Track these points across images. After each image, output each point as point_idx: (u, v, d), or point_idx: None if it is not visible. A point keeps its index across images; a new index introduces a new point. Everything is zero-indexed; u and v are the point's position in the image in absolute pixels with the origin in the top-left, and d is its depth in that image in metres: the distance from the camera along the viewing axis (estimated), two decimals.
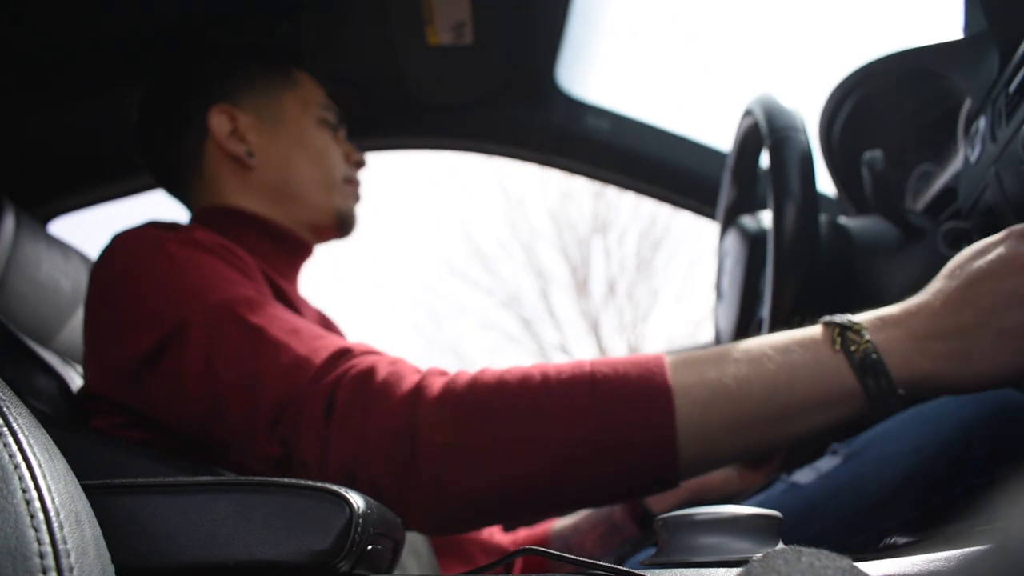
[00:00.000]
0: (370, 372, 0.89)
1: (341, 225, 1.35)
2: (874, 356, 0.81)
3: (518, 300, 13.24)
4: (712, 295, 1.54)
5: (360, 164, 1.40)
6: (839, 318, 0.84)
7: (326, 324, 1.27)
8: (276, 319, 0.99)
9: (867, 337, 0.82)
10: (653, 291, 13.13)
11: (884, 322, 0.83)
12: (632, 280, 13.20)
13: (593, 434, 0.82)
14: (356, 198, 1.38)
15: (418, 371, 0.91)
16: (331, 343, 0.96)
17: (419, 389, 0.87)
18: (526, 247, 13.55)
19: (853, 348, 0.81)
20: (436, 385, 0.87)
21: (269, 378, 0.93)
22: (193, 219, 1.30)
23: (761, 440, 0.84)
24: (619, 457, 0.83)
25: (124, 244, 1.10)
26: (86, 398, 1.10)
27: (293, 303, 1.15)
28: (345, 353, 0.93)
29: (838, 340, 0.82)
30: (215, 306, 0.99)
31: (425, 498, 0.85)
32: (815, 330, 0.85)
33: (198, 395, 0.98)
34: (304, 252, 1.33)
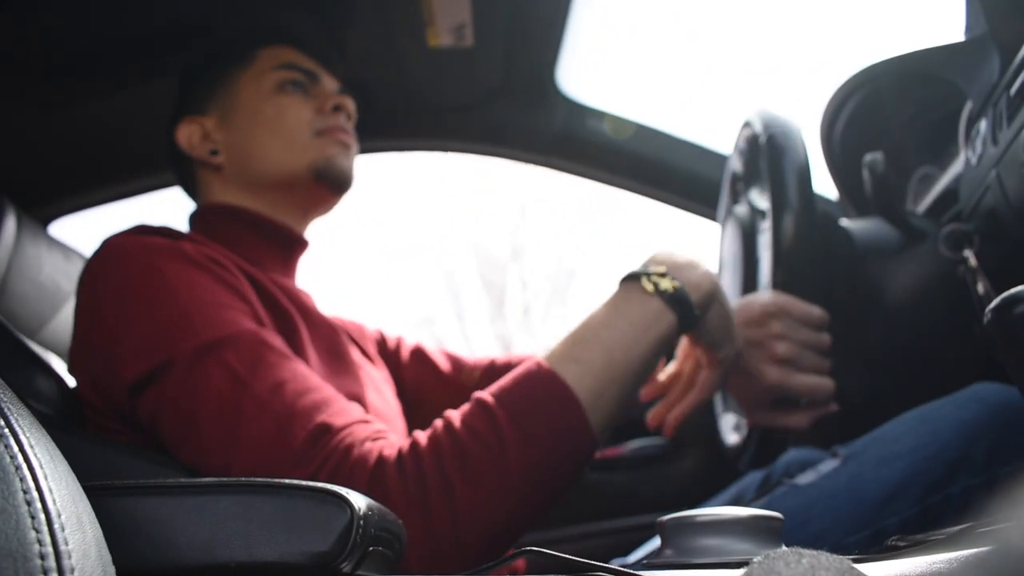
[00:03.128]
0: (343, 460, 0.91)
1: (323, 179, 1.29)
2: (680, 292, 1.01)
3: (431, 320, 13.27)
4: None
5: (339, 108, 1.33)
6: (638, 269, 1.03)
7: (319, 315, 1.26)
8: (261, 365, 0.98)
9: (669, 277, 1.02)
10: (565, 317, 13.24)
11: (670, 268, 1.04)
12: (547, 305, 13.32)
13: (535, 460, 0.90)
14: (338, 145, 1.31)
15: (382, 449, 0.92)
16: (310, 407, 0.95)
17: (380, 478, 0.89)
18: (444, 268, 13.64)
19: (662, 288, 1.01)
20: (392, 471, 0.89)
21: (250, 448, 0.93)
22: (190, 219, 1.31)
23: (630, 388, 0.99)
24: (559, 462, 0.92)
25: (114, 256, 1.08)
26: (82, 400, 1.10)
27: (282, 303, 1.14)
28: (323, 433, 0.93)
29: (648, 283, 1.01)
30: (201, 346, 0.98)
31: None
32: (628, 287, 1.03)
33: (175, 438, 0.98)
34: (297, 245, 1.32)
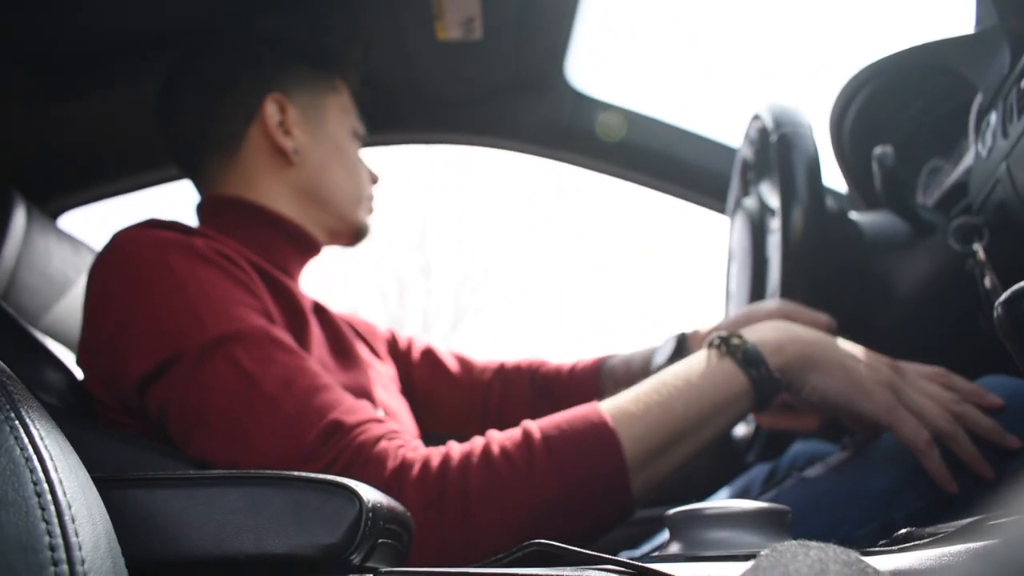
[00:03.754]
0: (356, 458, 0.92)
1: (357, 237, 1.38)
2: (753, 350, 0.96)
3: None
4: (722, 296, 1.54)
5: (375, 181, 1.42)
6: (720, 333, 0.99)
7: (328, 315, 1.27)
8: (271, 362, 0.98)
9: (745, 338, 0.98)
10: (468, 335, 13.24)
11: (761, 326, 1.01)
12: (449, 323, 13.32)
13: (561, 497, 0.90)
14: (372, 215, 1.40)
15: (399, 448, 0.93)
16: (321, 407, 0.96)
17: (401, 483, 0.90)
18: (344, 284, 13.64)
19: (735, 349, 0.97)
20: (414, 472, 0.91)
21: (257, 441, 0.94)
22: (200, 208, 1.29)
23: (686, 450, 0.96)
24: (585, 506, 0.92)
25: (124, 251, 1.08)
26: (90, 394, 1.10)
27: (296, 299, 1.15)
28: (336, 430, 0.94)
29: (723, 347, 0.98)
30: (210, 341, 0.98)
31: None
32: (705, 349, 1.00)
33: (182, 432, 0.99)
34: (314, 251, 1.32)
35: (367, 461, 0.91)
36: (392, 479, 0.90)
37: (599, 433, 0.92)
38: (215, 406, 0.96)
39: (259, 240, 1.23)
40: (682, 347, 1.29)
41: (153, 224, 1.12)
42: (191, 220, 1.24)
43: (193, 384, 0.97)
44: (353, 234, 1.37)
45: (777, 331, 0.99)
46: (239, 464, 0.94)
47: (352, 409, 0.97)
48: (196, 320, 1.00)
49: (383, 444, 0.93)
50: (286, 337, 1.03)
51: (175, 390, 0.98)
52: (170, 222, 1.13)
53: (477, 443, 0.94)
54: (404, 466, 0.91)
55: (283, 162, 1.28)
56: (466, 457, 0.92)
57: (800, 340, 0.98)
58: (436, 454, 0.92)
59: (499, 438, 0.94)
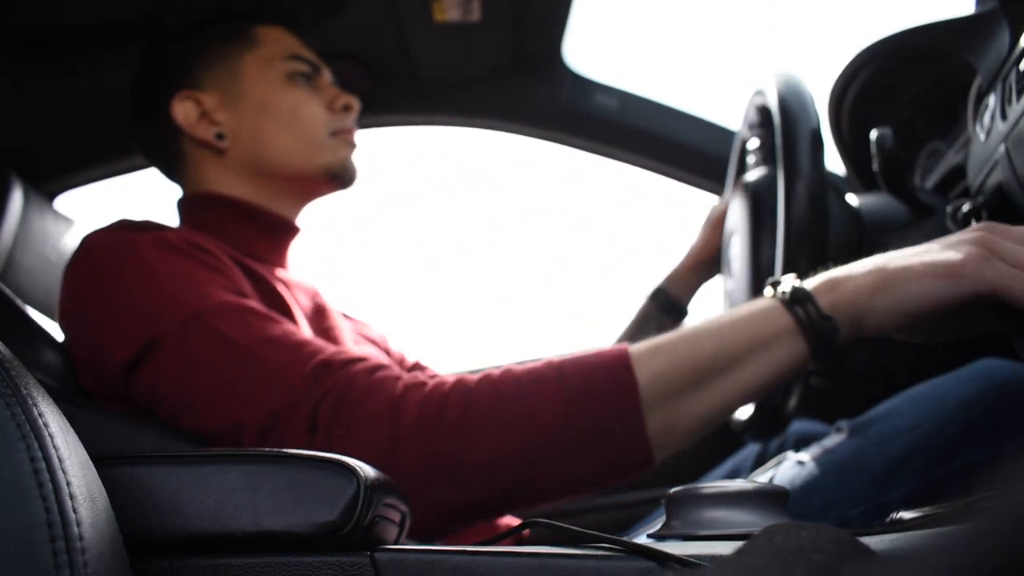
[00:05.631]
0: (348, 389, 0.90)
1: (334, 181, 1.29)
2: (799, 288, 0.86)
3: None
4: (722, 274, 1.54)
5: (348, 108, 1.32)
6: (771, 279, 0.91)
7: (316, 303, 1.25)
8: (251, 327, 0.98)
9: (793, 280, 0.88)
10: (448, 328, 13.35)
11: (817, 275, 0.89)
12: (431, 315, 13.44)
13: (564, 424, 0.87)
14: (349, 146, 1.31)
15: (395, 381, 0.91)
16: (307, 354, 0.95)
17: (397, 406, 0.89)
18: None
19: (782, 289, 0.87)
20: (413, 400, 0.89)
21: (249, 397, 0.94)
22: (177, 206, 1.28)
23: (716, 394, 0.87)
24: (593, 439, 0.87)
25: (96, 249, 1.08)
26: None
27: (276, 289, 1.13)
28: (324, 369, 0.93)
29: (770, 289, 0.89)
30: (187, 318, 0.98)
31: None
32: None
33: (174, 410, 0.98)
34: (289, 232, 1.29)
35: (364, 392, 0.90)
36: (392, 405, 0.88)
37: (613, 362, 0.88)
38: (203, 374, 0.96)
39: (231, 232, 1.22)
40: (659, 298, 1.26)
41: (124, 226, 1.11)
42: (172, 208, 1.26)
43: (179, 360, 0.97)
44: (326, 181, 1.29)
45: (827, 274, 0.88)
46: (231, 425, 0.94)
47: (340, 352, 0.96)
48: (171, 303, 0.99)
49: (379, 374, 0.92)
50: (261, 307, 1.03)
51: (162, 370, 0.98)
52: (141, 222, 1.12)
53: (489, 372, 0.92)
54: (406, 389, 0.89)
55: (216, 151, 1.26)
56: (471, 378, 0.90)
57: (854, 275, 0.86)
58: (438, 378, 0.91)
59: (513, 368, 0.91)
